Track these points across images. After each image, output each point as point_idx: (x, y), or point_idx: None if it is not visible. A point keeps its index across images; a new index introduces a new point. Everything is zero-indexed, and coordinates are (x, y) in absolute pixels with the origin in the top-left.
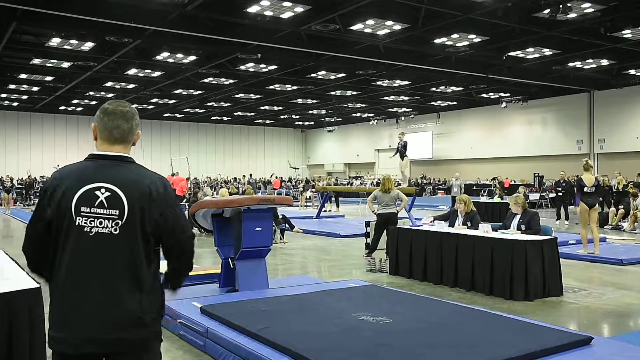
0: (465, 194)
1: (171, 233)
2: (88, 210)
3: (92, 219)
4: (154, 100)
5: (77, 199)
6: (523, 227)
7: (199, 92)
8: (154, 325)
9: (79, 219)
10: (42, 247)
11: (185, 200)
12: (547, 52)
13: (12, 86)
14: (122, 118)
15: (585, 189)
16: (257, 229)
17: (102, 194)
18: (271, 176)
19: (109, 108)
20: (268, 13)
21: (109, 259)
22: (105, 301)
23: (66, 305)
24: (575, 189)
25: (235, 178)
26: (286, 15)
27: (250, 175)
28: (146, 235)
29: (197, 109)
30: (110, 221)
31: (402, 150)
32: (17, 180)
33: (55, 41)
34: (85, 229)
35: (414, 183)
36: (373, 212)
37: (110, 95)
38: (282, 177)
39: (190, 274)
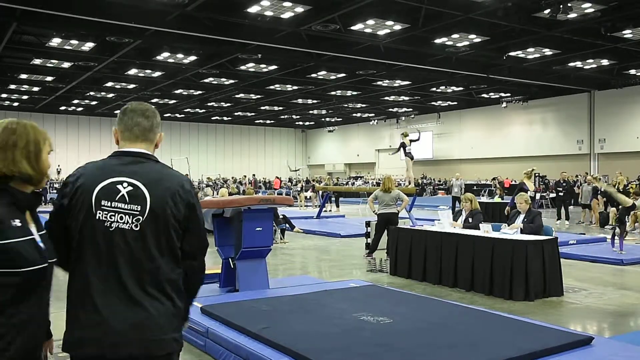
0: (470, 193)
1: (190, 235)
2: (109, 204)
3: (113, 214)
4: (154, 100)
5: (97, 192)
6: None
7: (199, 92)
8: (178, 330)
9: (99, 213)
10: (61, 240)
11: None
12: (548, 52)
13: (12, 86)
14: (142, 115)
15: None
16: (258, 229)
17: (124, 188)
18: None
19: (129, 107)
20: (268, 13)
21: (129, 256)
22: (126, 301)
23: (87, 303)
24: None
25: (233, 178)
26: (286, 15)
27: (253, 175)
28: (168, 233)
29: (197, 109)
30: (131, 217)
31: (408, 151)
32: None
33: (55, 41)
34: (105, 224)
35: (414, 183)
36: (374, 212)
37: (110, 95)
38: (281, 177)
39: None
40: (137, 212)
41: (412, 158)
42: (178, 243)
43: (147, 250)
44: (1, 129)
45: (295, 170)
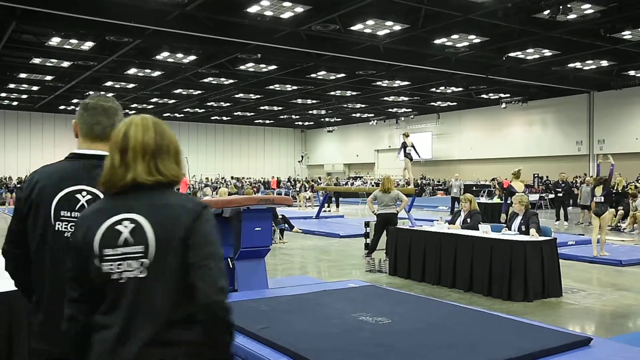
0: (470, 194)
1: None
2: (69, 214)
3: (73, 224)
4: (154, 100)
5: (56, 202)
6: (523, 228)
7: (199, 92)
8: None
9: (58, 224)
10: (21, 249)
11: None
12: (547, 52)
13: (11, 85)
14: (104, 114)
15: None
16: (257, 229)
17: (84, 197)
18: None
19: (90, 103)
20: (268, 13)
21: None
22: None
23: (49, 314)
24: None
25: (234, 178)
26: (286, 15)
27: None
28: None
29: (197, 109)
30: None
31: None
32: (16, 180)
33: (55, 40)
34: (65, 234)
35: (414, 184)
36: (373, 212)
37: (110, 94)
38: (280, 178)
39: None
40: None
41: (411, 159)
42: None
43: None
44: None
45: (304, 156)
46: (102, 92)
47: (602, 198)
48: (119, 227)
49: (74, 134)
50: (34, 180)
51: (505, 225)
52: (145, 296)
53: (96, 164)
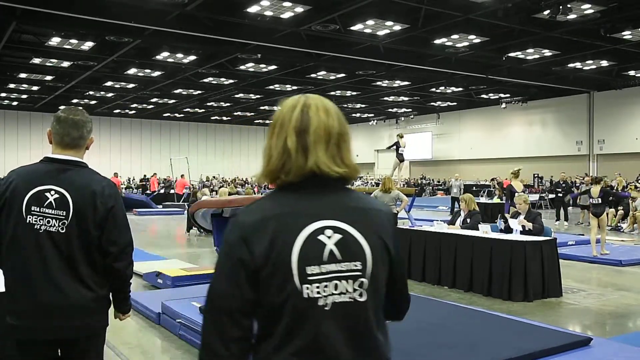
0: (468, 194)
1: (112, 232)
2: (38, 210)
3: (42, 218)
4: (154, 100)
5: (28, 199)
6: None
7: (199, 92)
8: (96, 315)
9: (30, 217)
10: None
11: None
12: (547, 53)
13: (11, 85)
14: (73, 126)
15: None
16: None
17: (52, 195)
18: None
19: (62, 116)
20: (268, 13)
21: (55, 255)
22: (52, 292)
23: (19, 295)
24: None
25: (236, 178)
26: (286, 15)
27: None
28: (90, 234)
29: (197, 109)
30: (58, 221)
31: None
32: None
33: (55, 40)
34: (35, 227)
35: (413, 183)
36: None
37: (110, 94)
38: None
39: (189, 273)
40: (63, 217)
41: (401, 160)
42: (99, 243)
43: (70, 249)
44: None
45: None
46: (101, 92)
47: (600, 200)
48: (320, 237)
49: (48, 141)
50: (10, 179)
51: (504, 223)
52: (362, 327)
53: (65, 168)
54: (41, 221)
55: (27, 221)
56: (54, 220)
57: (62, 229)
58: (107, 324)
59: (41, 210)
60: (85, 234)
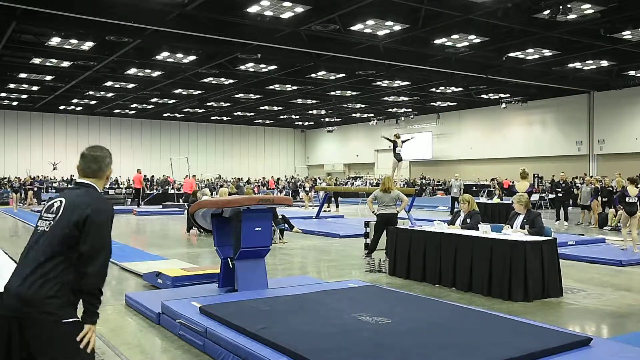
0: (468, 194)
1: (88, 235)
2: (47, 215)
3: (44, 221)
4: (154, 100)
5: (45, 207)
6: (527, 227)
7: (199, 92)
8: (54, 308)
9: (40, 222)
10: None
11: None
12: (547, 52)
13: (11, 85)
14: (93, 161)
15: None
16: (257, 229)
17: (56, 204)
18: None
19: (85, 153)
20: (268, 13)
21: (39, 250)
22: (24, 281)
23: (11, 279)
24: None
25: (236, 178)
26: (286, 15)
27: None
28: (64, 234)
29: (197, 109)
30: (47, 222)
31: (398, 152)
32: (15, 179)
33: (55, 40)
34: (39, 229)
35: (413, 183)
36: (373, 212)
37: (110, 94)
38: (278, 177)
39: (189, 273)
40: (51, 219)
41: (399, 160)
42: (73, 243)
43: (47, 245)
44: None
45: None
46: (101, 92)
47: (636, 198)
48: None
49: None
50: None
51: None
52: None
53: (78, 187)
54: (43, 224)
55: (37, 224)
56: (47, 222)
57: (47, 228)
58: (61, 320)
59: (46, 216)
60: (63, 231)
